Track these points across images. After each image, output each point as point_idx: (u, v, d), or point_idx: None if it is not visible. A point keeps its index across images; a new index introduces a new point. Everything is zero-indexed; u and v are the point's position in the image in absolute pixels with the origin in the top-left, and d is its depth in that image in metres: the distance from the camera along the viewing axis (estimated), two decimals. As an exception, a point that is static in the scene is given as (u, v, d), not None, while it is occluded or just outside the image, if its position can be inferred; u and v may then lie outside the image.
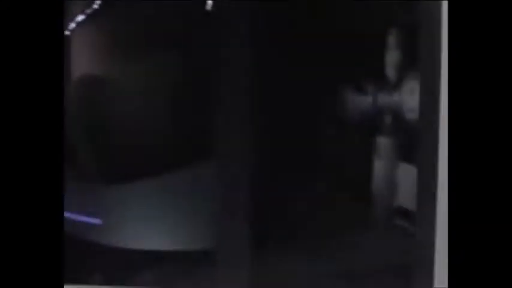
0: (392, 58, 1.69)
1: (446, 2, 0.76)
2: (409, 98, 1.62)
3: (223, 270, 1.41)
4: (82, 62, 1.74)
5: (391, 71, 1.70)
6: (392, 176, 1.70)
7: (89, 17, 1.73)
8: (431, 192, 1.23)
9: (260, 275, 1.43)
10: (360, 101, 1.73)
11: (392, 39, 1.69)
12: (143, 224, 1.69)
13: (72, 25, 1.67)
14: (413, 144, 1.51)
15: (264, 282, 1.45)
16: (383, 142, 1.71)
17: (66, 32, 1.59)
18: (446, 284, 0.48)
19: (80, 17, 1.71)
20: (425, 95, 1.33)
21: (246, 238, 1.42)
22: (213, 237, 1.48)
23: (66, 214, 1.01)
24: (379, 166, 1.70)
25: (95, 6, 1.75)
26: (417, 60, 1.42)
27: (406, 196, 1.85)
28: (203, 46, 1.62)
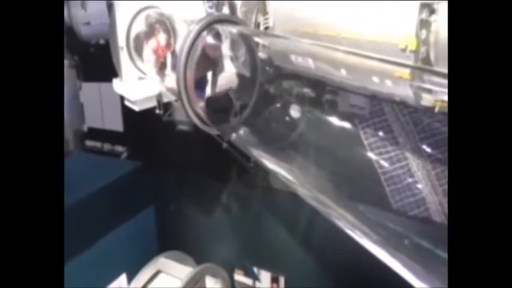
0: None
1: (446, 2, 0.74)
2: (83, 13, 1.52)
3: None
4: None
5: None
6: (77, 98, 1.64)
7: None
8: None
9: None
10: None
11: None
12: None
13: None
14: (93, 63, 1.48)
15: None
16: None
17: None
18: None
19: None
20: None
21: None
22: None
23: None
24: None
25: None
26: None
27: (94, 116, 1.84)
28: None
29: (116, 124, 2.04)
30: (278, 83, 1.35)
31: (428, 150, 1.08)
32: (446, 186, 1.04)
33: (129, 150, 2.17)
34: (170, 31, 1.21)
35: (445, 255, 0.99)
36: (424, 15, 0.79)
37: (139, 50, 1.29)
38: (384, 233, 1.12)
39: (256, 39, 1.16)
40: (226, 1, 1.20)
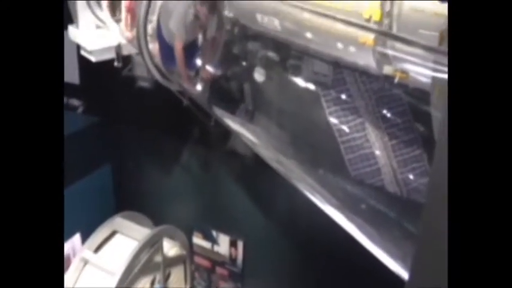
0: None
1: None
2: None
3: None
4: None
5: None
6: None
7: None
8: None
9: None
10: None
11: None
12: None
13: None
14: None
15: None
16: None
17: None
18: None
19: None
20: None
21: None
22: None
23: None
24: None
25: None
26: None
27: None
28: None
29: (72, 76, 1.95)
30: (243, 44, 1.31)
31: (385, 121, 1.09)
32: (400, 158, 1.05)
33: (86, 105, 2.09)
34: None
35: (398, 220, 1.01)
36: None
37: (97, -5, 1.22)
38: (342, 196, 1.14)
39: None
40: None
